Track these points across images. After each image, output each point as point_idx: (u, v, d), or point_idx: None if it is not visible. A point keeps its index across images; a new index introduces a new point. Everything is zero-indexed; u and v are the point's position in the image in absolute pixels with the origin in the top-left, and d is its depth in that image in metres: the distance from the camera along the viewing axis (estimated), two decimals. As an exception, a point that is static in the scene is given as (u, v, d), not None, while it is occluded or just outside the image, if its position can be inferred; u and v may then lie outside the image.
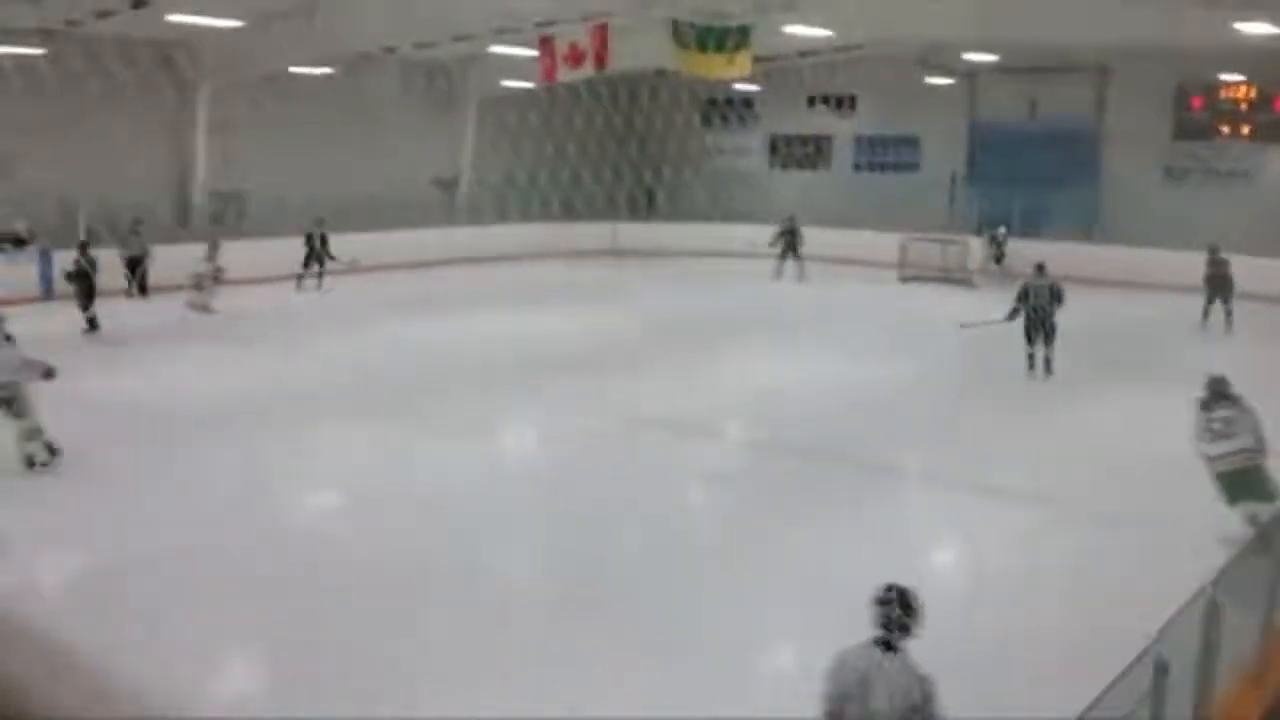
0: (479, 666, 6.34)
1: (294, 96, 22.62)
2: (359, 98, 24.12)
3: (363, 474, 10.15)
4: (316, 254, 20.98)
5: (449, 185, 27.83)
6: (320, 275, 20.93)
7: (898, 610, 4.37)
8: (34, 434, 9.70)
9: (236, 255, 18.59)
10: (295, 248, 20.77)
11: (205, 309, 17.27)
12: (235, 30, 19.18)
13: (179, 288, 17.59)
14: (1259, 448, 8.22)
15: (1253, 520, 7.63)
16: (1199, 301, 18.67)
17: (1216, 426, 8.28)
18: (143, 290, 18.48)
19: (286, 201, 21.95)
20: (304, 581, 7.48)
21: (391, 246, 23.54)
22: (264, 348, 15.92)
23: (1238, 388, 8.60)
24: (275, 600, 7.15)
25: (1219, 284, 18.27)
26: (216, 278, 17.68)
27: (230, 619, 6.92)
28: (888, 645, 4.34)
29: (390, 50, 22.79)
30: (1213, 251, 18.56)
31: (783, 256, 24.03)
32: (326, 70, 23.24)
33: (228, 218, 22.85)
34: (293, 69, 22.28)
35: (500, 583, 7.78)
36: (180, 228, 21.82)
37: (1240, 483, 8.17)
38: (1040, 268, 14.95)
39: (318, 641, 6.60)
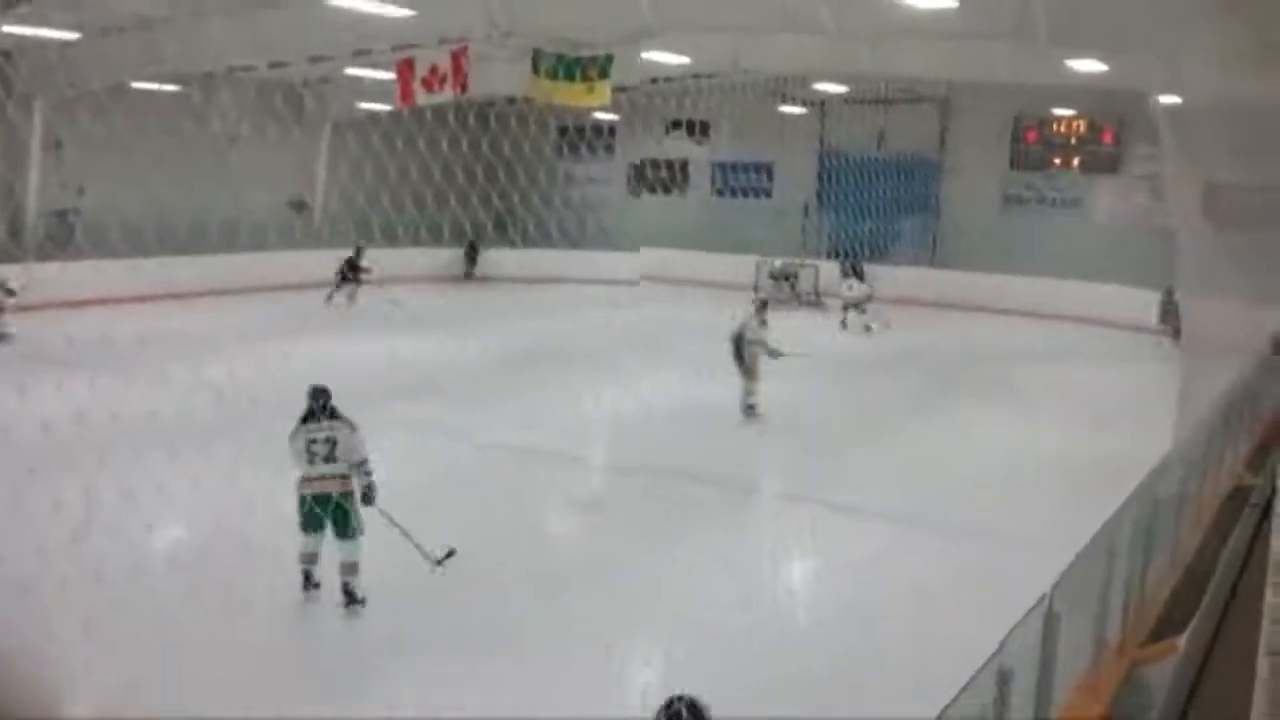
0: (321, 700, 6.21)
1: (139, 113, 21.76)
2: (210, 116, 23.35)
3: (210, 507, 9.80)
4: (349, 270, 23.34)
5: (303, 208, 27.21)
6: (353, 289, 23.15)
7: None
8: None
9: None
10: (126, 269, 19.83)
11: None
12: (71, 43, 18.41)
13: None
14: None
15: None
16: (1034, 324, 19.61)
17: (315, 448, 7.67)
18: None
19: (126, 221, 21.05)
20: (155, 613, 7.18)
21: (240, 269, 22.85)
22: (101, 374, 15.16)
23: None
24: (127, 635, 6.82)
25: None
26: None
27: (73, 657, 6.58)
28: None
29: (241, 69, 22.19)
30: None
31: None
32: (174, 87, 22.47)
33: (58, 236, 21.84)
34: (137, 84, 21.46)
35: (348, 615, 7.59)
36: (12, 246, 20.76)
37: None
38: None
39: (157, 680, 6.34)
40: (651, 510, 10.00)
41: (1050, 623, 5.17)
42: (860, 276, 25.02)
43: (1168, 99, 17.78)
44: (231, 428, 12.03)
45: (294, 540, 7.86)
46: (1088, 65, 16.79)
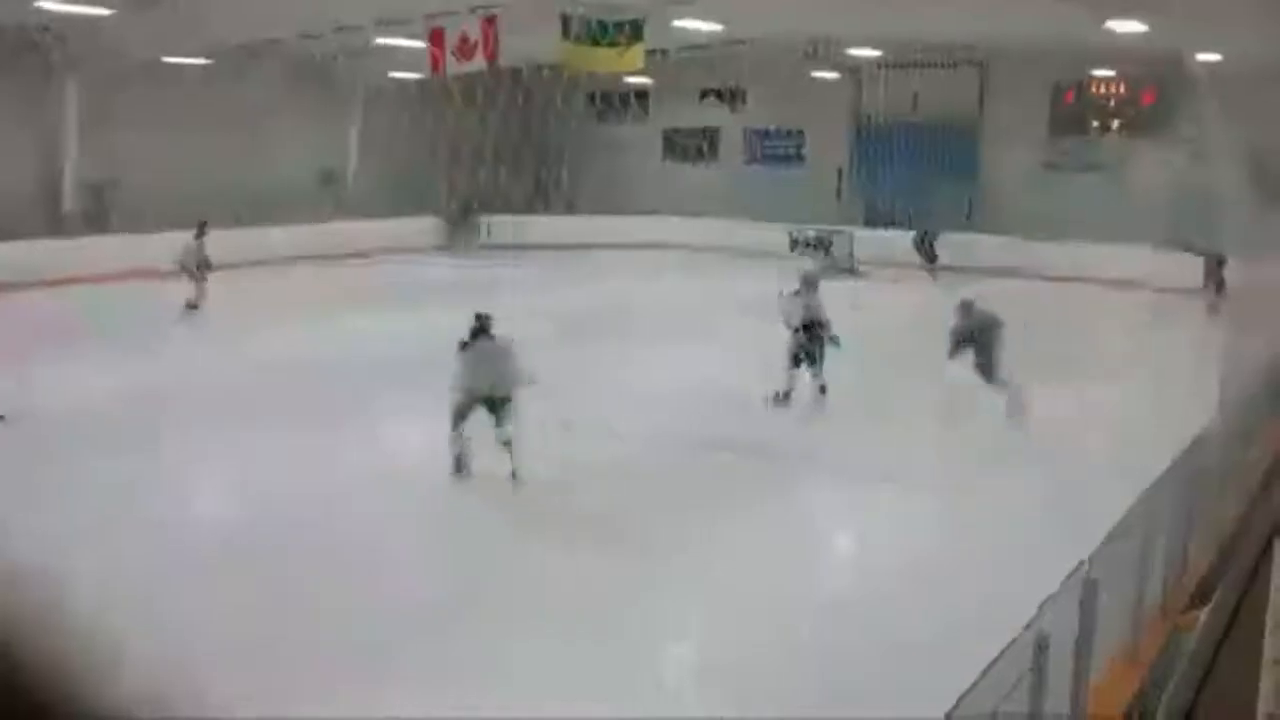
0: (376, 674, 6.24)
1: (171, 87, 21.88)
2: (241, 88, 23.38)
3: (256, 479, 9.96)
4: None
5: (335, 179, 27.28)
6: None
7: None
8: None
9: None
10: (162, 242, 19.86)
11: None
12: (106, 17, 18.47)
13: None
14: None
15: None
16: (1081, 289, 19.26)
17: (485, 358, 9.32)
18: None
19: (161, 195, 21.19)
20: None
21: (273, 241, 22.98)
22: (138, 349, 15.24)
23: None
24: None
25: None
26: None
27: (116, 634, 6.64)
28: None
29: (273, 41, 22.19)
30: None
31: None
32: (205, 60, 22.54)
33: (96, 211, 22.07)
34: (169, 59, 21.55)
35: (395, 577, 7.65)
36: (51, 221, 21.02)
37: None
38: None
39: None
40: (698, 483, 9.95)
41: (1089, 589, 5.10)
42: (932, 258, 24.52)
43: (1208, 58, 17.40)
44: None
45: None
46: (1127, 26, 16.47)
